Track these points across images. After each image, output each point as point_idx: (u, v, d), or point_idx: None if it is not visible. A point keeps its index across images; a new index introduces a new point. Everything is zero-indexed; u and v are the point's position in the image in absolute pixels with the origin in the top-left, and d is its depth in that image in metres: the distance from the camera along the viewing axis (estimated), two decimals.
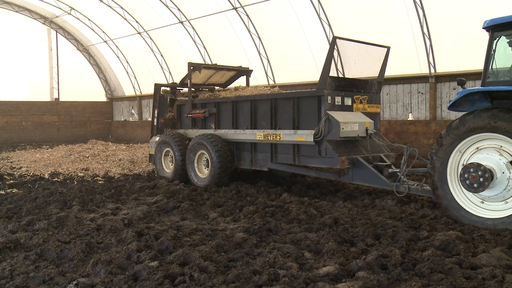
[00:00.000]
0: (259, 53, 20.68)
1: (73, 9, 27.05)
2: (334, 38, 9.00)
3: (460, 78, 7.58)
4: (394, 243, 5.90)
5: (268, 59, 20.75)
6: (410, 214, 7.68)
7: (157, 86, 13.01)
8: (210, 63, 21.25)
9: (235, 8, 20.11)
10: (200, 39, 23.14)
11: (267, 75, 20.91)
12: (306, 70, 19.23)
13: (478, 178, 6.65)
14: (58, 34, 29.99)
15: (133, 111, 30.23)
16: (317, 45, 18.62)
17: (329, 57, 8.88)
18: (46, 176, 12.91)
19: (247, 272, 4.80)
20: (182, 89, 13.15)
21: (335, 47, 9.07)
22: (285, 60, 20.30)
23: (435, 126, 15.31)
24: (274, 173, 11.29)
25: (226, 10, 20.55)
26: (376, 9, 16.28)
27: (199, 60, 23.36)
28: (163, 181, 11.28)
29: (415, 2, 14.93)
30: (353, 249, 5.73)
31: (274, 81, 20.77)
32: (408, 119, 16.66)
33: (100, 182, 11.86)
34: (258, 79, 20.27)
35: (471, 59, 14.62)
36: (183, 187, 10.39)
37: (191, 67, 11.87)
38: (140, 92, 29.09)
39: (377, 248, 5.65)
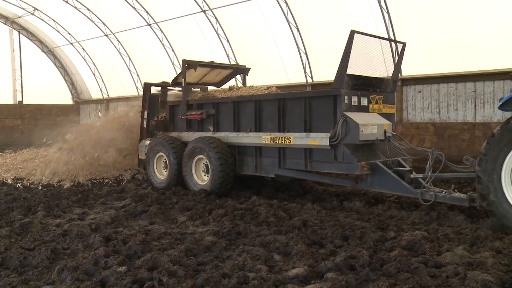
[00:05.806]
0: (228, 56, 20.66)
1: (37, 9, 26.35)
2: (352, 32, 8.08)
3: None
4: (362, 244, 5.99)
5: (236, 62, 20.72)
6: (378, 215, 7.82)
7: (147, 85, 11.96)
8: (178, 65, 21.08)
9: (204, 11, 20.05)
10: (169, 42, 22.95)
11: (235, 78, 20.87)
12: (275, 73, 19.30)
13: None
14: (21, 35, 29.17)
15: (100, 114, 29.69)
16: (285, 48, 18.74)
17: (347, 53, 8.06)
18: (9, 181, 12.53)
19: (217, 276, 4.78)
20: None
21: (352, 42, 8.11)
22: (254, 63, 20.17)
23: (402, 128, 15.62)
24: (242, 176, 11.13)
25: (195, 13, 20.45)
26: (343, 13, 16.51)
27: (166, 63, 23.13)
28: (131, 185, 11.13)
29: (381, 7, 15.22)
30: (322, 250, 5.78)
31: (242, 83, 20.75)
32: None
33: (66, 186, 11.61)
34: None
35: (435, 63, 15.01)
36: (151, 190, 10.27)
37: (186, 65, 10.95)
38: (108, 95, 28.62)
39: (346, 249, 5.72)
